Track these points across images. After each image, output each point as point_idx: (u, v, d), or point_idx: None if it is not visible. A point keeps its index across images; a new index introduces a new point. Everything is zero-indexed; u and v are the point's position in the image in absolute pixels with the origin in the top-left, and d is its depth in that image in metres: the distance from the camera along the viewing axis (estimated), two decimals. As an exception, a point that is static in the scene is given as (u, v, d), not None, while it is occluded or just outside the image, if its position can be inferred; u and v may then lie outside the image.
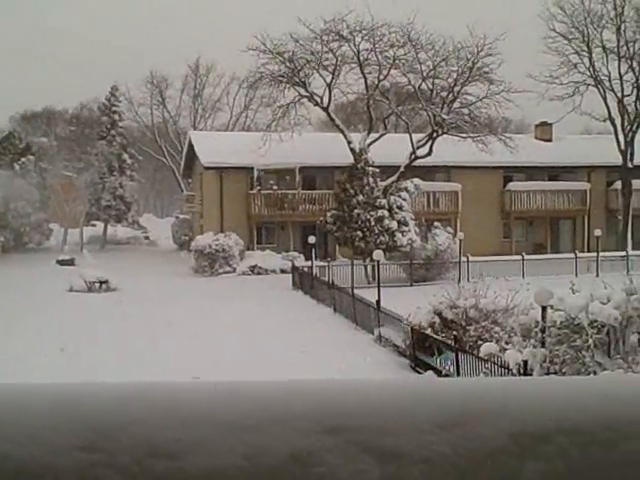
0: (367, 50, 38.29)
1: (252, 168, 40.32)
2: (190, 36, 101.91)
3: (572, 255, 36.79)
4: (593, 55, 43.91)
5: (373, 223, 33.80)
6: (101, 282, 32.22)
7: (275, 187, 41.57)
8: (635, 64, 43.68)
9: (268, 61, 38.27)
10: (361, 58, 38.27)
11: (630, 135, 43.69)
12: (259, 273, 36.73)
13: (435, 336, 17.57)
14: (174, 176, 65.30)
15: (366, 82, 38.97)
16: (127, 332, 22.01)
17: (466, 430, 0.91)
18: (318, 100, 38.75)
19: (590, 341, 12.78)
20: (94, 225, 55.25)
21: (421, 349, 18.00)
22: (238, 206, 41.09)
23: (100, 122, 55.75)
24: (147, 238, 56.76)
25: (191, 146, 46.98)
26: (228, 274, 36.55)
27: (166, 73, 68.06)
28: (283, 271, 35.98)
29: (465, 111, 39.55)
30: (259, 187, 41.23)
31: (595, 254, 36.78)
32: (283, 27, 39.56)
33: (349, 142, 36.99)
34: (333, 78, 38.56)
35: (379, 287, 23.53)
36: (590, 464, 0.92)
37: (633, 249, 40.06)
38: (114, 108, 54.99)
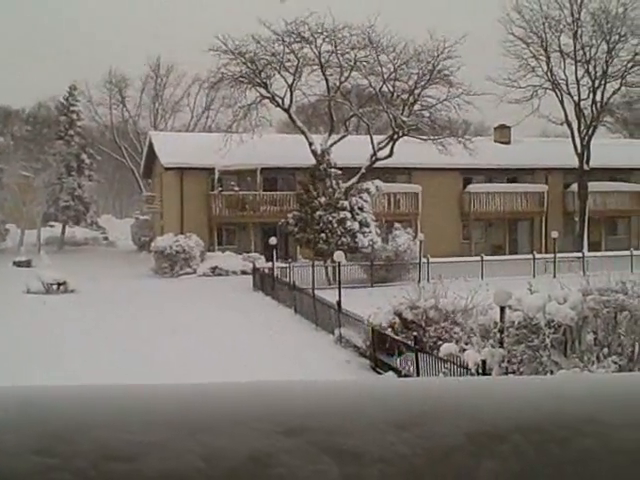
0: (328, 52, 38.39)
1: (213, 169, 40.15)
2: (150, 36, 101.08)
3: (530, 256, 37.28)
4: (551, 59, 44.56)
5: (335, 225, 33.87)
6: (59, 284, 31.77)
7: (236, 188, 41.43)
8: (591, 68, 44.41)
9: (229, 62, 38.16)
10: (322, 60, 38.34)
11: (586, 138, 44.39)
12: (220, 274, 36.58)
13: (395, 337, 17.67)
14: (134, 176, 64.71)
15: (327, 84, 39.05)
16: (85, 334, 21.75)
17: (424, 430, 0.92)
18: (279, 101, 38.73)
19: (547, 341, 12.96)
20: (52, 226, 54.49)
21: (381, 350, 18.09)
22: (199, 207, 40.87)
23: (58, 122, 55.02)
24: (106, 239, 56.16)
25: (151, 146, 46.60)
26: (188, 275, 36.34)
27: (126, 73, 67.53)
28: (244, 272, 35.87)
29: (425, 113, 39.88)
30: (220, 188, 41.05)
31: (552, 255, 37.32)
32: (244, 28, 39.40)
33: (310, 143, 37.02)
34: (294, 79, 38.58)
35: (340, 288, 23.59)
36: (545, 462, 0.94)
37: (589, 250, 40.72)
38: (72, 107, 54.34)
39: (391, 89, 39.77)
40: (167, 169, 41.64)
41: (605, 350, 12.79)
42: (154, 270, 37.41)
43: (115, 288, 31.94)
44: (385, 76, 39.01)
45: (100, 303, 27.86)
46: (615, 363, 12.55)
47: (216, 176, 40.57)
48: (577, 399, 1.05)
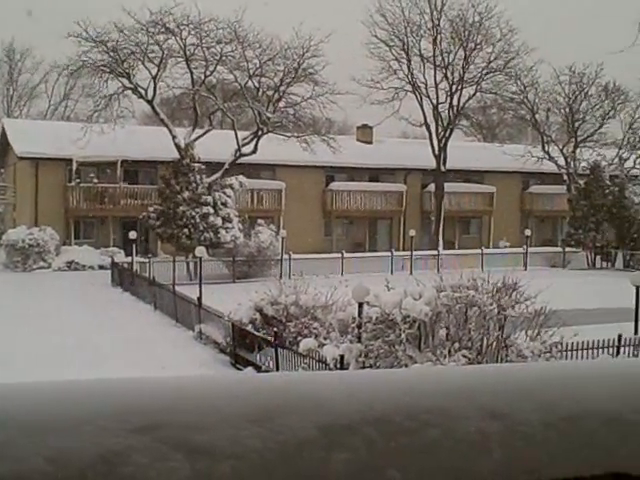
0: (194, 45, 37.95)
1: (71, 160, 38.77)
2: (3, 17, 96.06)
3: (389, 253, 38.38)
4: (412, 63, 45.97)
5: (198, 220, 33.54)
6: None
7: (95, 180, 40.17)
8: (449, 73, 46.16)
9: (90, 49, 36.96)
10: (187, 52, 37.85)
11: (443, 141, 46.11)
12: (76, 269, 35.46)
13: (255, 332, 17.71)
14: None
15: (192, 77, 38.61)
16: None
17: (276, 423, 0.93)
18: (143, 93, 37.91)
19: (403, 336, 13.36)
20: None
21: (242, 345, 18.08)
22: (55, 199, 39.34)
23: None
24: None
25: (4, 134, 44.34)
26: (43, 270, 34.99)
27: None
28: (102, 267, 34.93)
29: (290, 111, 40.19)
30: (78, 180, 39.68)
31: (410, 253, 38.58)
32: (107, 15, 38.26)
33: (174, 137, 36.48)
34: (159, 71, 37.89)
35: (201, 284, 23.40)
36: (394, 452, 0.97)
37: (444, 248, 42.40)
38: None
39: (256, 85, 39.83)
40: (21, 159, 39.83)
41: (456, 345, 13.34)
42: (4, 264, 35.79)
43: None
44: (251, 72, 39.01)
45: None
46: (465, 357, 13.12)
47: (74, 167, 39.20)
48: (426, 391, 1.09)
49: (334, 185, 45.67)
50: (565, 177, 47.05)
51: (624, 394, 1.15)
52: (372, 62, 45.76)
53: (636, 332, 16.57)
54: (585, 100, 47.50)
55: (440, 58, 45.92)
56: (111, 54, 37.07)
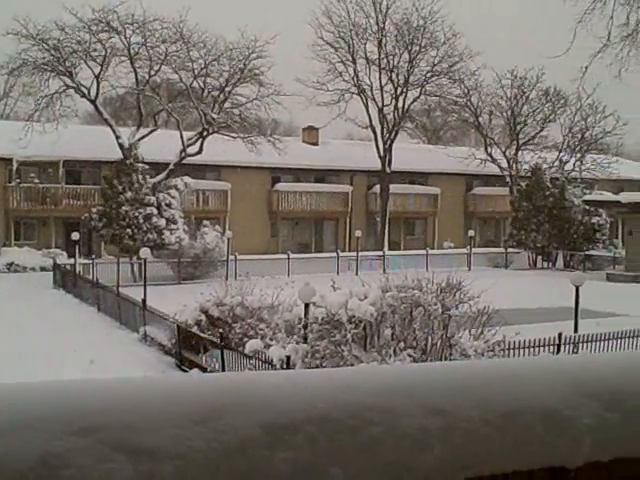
0: (138, 44, 37.49)
1: (11, 159, 37.92)
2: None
3: (335, 254, 38.48)
4: (357, 65, 46.23)
5: (141, 221, 33.13)
6: None
7: (36, 181, 39.37)
8: (394, 76, 46.54)
9: (30, 47, 36.20)
10: (132, 51, 37.39)
11: (389, 143, 46.47)
12: (17, 271, 34.68)
13: (201, 334, 17.58)
14: None
15: (137, 76, 38.14)
16: None
17: (220, 423, 0.93)
18: (85, 92, 37.29)
19: (348, 336, 13.42)
20: None
21: (188, 347, 17.93)
22: (-6, 199, 38.46)
23: None
24: None
25: (-60, 133, 43.16)
26: (-19, 272, 34.12)
27: None
28: (44, 269, 34.24)
29: (236, 111, 40.03)
30: (18, 180, 38.85)
31: (355, 253, 38.77)
32: (48, 13, 37.51)
33: (118, 137, 35.98)
34: (102, 70, 37.33)
35: (145, 285, 23.13)
36: (337, 450, 0.97)
37: (389, 249, 42.72)
38: None
39: (202, 85, 39.57)
40: (-42, 158, 38.82)
41: (401, 344, 13.46)
42: (-59, 266, 34.78)
43: None
44: (196, 72, 38.74)
45: None
46: (410, 356, 13.24)
47: (14, 167, 38.35)
48: (369, 390, 1.10)
49: (280, 186, 45.64)
50: (507, 179, 47.86)
51: (561, 391, 1.18)
52: (318, 64, 45.93)
53: (576, 330, 16.94)
54: (526, 104, 48.40)
55: (385, 61, 46.29)
56: (52, 52, 36.38)
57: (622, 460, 1.15)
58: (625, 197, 40.20)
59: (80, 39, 36.75)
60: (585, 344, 16.16)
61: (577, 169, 47.66)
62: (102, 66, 37.26)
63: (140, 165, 34.20)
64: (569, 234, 42.75)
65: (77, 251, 32.29)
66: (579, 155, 48.22)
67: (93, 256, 34.09)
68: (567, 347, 15.77)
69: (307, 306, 14.08)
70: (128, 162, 34.01)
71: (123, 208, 33.13)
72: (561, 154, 48.25)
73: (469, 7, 57.20)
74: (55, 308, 25.38)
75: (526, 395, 1.16)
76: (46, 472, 0.87)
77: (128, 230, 33.03)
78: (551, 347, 15.56)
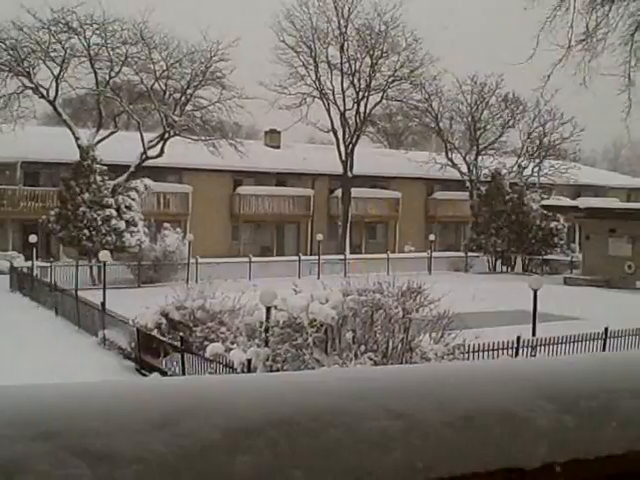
0: (98, 45, 37.17)
1: (-33, 160, 37.30)
2: None
3: (296, 258, 38.50)
4: (319, 69, 46.37)
5: (100, 223, 32.80)
6: None
7: (-7, 182, 38.79)
8: (356, 81, 46.77)
9: (-13, 47, 35.67)
10: (92, 52, 37.04)
11: (350, 147, 46.67)
12: (-28, 274, 34.04)
13: (161, 337, 17.45)
14: None
15: (96, 77, 37.76)
16: None
17: (180, 428, 0.93)
18: (44, 92, 36.82)
19: (310, 339, 13.44)
20: None
21: (148, 351, 17.77)
22: (-51, 201, 37.76)
23: None
24: None
25: None
26: None
27: None
28: (0, 272, 33.67)
29: (197, 114, 39.88)
30: (-26, 181, 38.23)
31: (317, 257, 38.82)
32: (6, 13, 36.98)
33: (77, 138, 35.58)
34: (61, 71, 36.91)
35: (105, 289, 22.89)
36: (298, 453, 0.98)
37: (351, 253, 42.88)
38: None
39: (163, 87, 39.36)
40: None
41: (362, 347, 13.51)
42: None
43: None
44: (157, 74, 38.50)
45: None
46: (371, 359, 13.30)
47: (-30, 168, 37.74)
48: (330, 392, 1.11)
49: (242, 189, 45.53)
50: (468, 184, 48.37)
51: (518, 393, 1.20)
52: (280, 67, 45.99)
53: (534, 334, 17.17)
54: (486, 109, 49.00)
55: (347, 65, 46.50)
56: (10, 52, 35.90)
57: (578, 461, 1.17)
58: (582, 202, 40.94)
59: (39, 39, 36.33)
60: (543, 347, 16.39)
61: (535, 174, 48.35)
62: (61, 67, 36.86)
63: (98, 167, 33.84)
64: (528, 238, 43.33)
65: (35, 254, 31.84)
66: (537, 161, 48.92)
67: (51, 259, 33.65)
68: (525, 350, 15.97)
69: (268, 309, 14.06)
70: (86, 164, 33.64)
71: (81, 209, 32.75)
72: (520, 159, 48.91)
73: (430, 13, 57.75)
74: (11, 312, 24.96)
75: (484, 397, 1.17)
76: (3, 478, 0.86)
77: (86, 231, 32.65)
78: (510, 350, 15.74)
